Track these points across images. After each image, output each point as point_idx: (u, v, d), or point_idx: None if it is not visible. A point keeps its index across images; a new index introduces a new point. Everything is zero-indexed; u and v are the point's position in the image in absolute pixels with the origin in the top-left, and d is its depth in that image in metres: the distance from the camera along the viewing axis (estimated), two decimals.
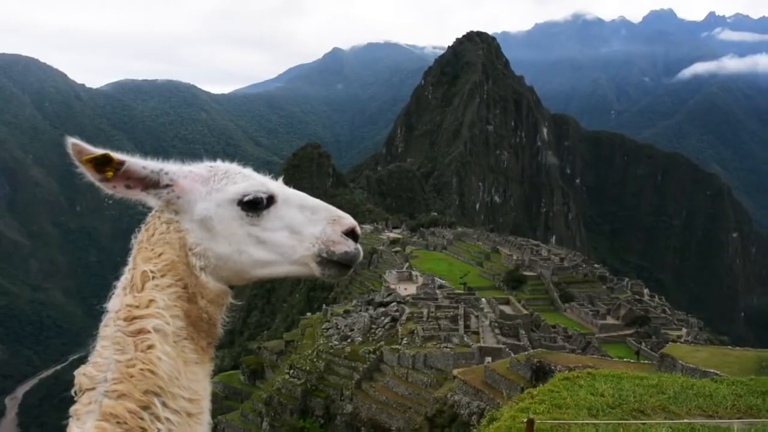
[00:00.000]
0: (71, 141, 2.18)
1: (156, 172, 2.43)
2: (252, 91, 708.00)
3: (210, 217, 2.53)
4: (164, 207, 2.56)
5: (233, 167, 2.71)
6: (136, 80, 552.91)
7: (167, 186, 2.51)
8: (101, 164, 2.23)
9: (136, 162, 2.36)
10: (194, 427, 2.19)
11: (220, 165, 2.75)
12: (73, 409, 2.20)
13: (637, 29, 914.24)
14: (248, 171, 2.78)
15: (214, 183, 2.60)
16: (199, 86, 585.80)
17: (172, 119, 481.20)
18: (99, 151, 2.24)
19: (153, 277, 2.36)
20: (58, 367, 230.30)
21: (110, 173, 2.28)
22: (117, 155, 2.29)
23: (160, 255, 2.46)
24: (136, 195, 2.53)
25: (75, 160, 2.22)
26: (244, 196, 2.58)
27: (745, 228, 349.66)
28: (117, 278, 2.01)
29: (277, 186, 2.72)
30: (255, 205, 2.60)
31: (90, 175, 2.27)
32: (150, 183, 2.47)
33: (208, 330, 2.42)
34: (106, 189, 2.42)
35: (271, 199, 2.63)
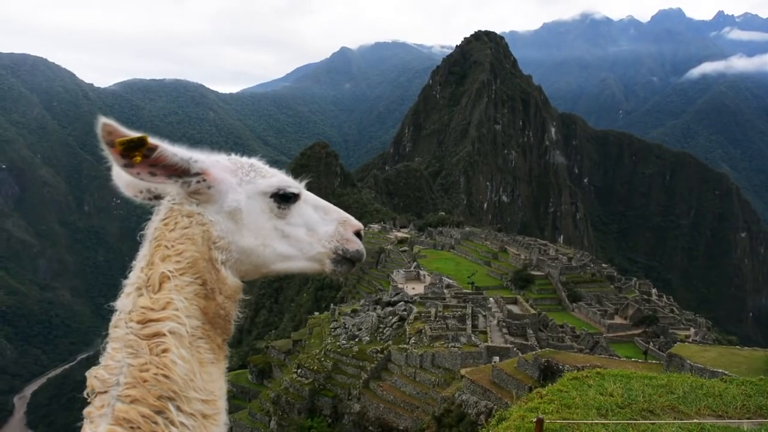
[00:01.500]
0: (103, 121, 2.15)
1: (186, 160, 2.36)
2: (260, 91, 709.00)
3: (240, 208, 2.49)
4: (186, 198, 2.48)
5: (256, 161, 2.71)
6: (144, 80, 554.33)
7: (197, 174, 2.44)
8: (131, 148, 2.18)
9: (168, 148, 2.31)
10: (210, 429, 2.17)
11: (241, 158, 2.73)
12: (86, 411, 2.05)
13: (645, 28, 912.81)
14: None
15: (242, 174, 2.58)
16: (207, 86, 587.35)
17: (180, 119, 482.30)
18: (135, 133, 2.19)
19: (172, 278, 2.29)
20: (67, 366, 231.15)
21: (138, 158, 2.22)
22: (152, 139, 2.24)
23: (180, 253, 2.40)
24: (158, 182, 2.44)
25: (103, 140, 2.17)
26: (280, 189, 2.59)
27: (754, 228, 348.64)
28: (125, 276, 2.01)
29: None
30: (287, 199, 2.61)
31: (114, 159, 2.22)
32: (179, 171, 2.40)
33: (223, 326, 2.37)
34: (129, 174, 2.36)
35: (297, 196, 2.66)
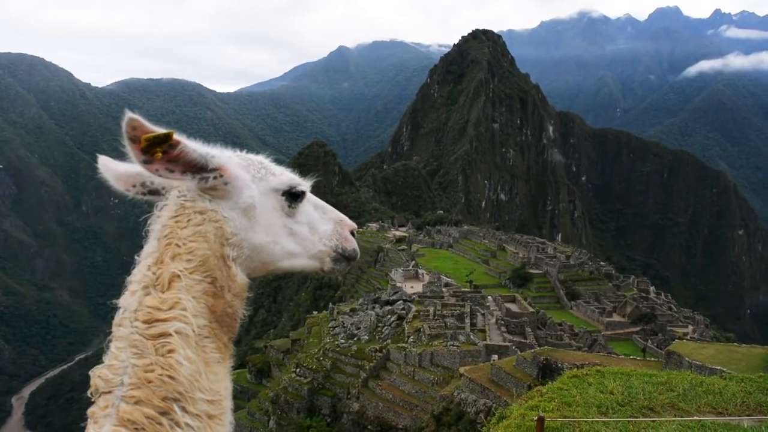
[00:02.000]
0: (130, 115, 2.13)
1: (204, 156, 2.34)
2: (257, 90, 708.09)
3: (254, 205, 2.48)
4: (198, 194, 2.43)
5: (264, 158, 2.72)
6: (142, 79, 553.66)
7: (214, 170, 2.39)
8: (155, 144, 2.16)
9: (189, 144, 2.30)
10: (215, 429, 2.15)
11: (250, 155, 2.49)
12: (90, 411, 2.03)
13: (642, 27, 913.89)
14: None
15: (254, 171, 2.57)
16: (204, 85, 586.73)
17: (178, 118, 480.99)
18: (161, 129, 2.18)
19: (183, 277, 2.13)
20: (65, 366, 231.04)
21: (159, 154, 2.20)
22: (176, 135, 2.23)
23: (192, 251, 2.16)
24: (174, 178, 2.28)
25: (126, 135, 2.15)
26: (292, 187, 2.61)
27: (751, 225, 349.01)
28: (126, 275, 1.99)
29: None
30: (296, 197, 2.63)
31: (134, 155, 2.20)
32: (197, 167, 2.35)
33: (230, 325, 2.37)
34: (148, 171, 2.12)
35: (304, 194, 2.68)
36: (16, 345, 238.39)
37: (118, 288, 2.11)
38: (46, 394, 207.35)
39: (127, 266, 2.03)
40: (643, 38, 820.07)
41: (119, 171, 2.05)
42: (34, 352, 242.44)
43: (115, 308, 1.91)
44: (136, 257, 2.08)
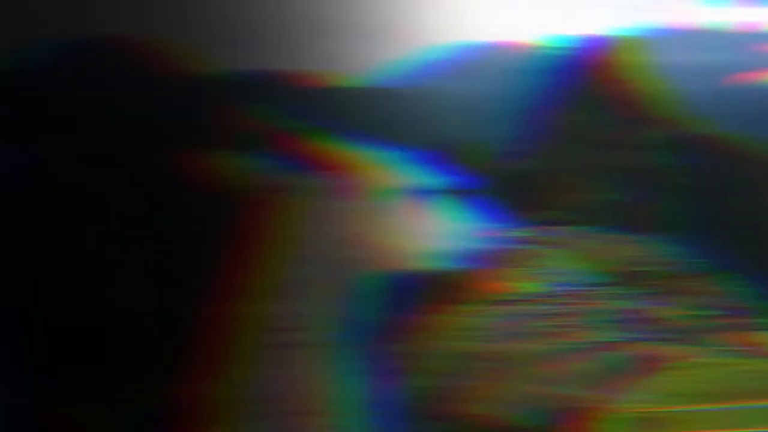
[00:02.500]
0: (238, 107, 2.06)
1: (322, 155, 2.22)
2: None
3: (375, 205, 2.39)
4: (318, 193, 2.26)
5: (367, 160, 2.16)
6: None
7: (333, 170, 2.25)
8: (267, 140, 1.64)
9: (307, 143, 2.19)
10: None
11: (358, 154, 2.13)
12: None
13: (691, 37, 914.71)
14: None
15: (361, 173, 2.46)
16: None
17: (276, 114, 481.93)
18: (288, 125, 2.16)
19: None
20: None
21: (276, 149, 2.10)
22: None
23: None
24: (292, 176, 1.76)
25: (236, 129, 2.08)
26: (403, 187, 2.57)
27: None
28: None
29: None
30: (398, 198, 2.55)
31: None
32: (317, 165, 2.19)
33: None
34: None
35: (403, 194, 2.63)
36: None
37: None
38: None
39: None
40: (698, 49, 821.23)
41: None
42: None
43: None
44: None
